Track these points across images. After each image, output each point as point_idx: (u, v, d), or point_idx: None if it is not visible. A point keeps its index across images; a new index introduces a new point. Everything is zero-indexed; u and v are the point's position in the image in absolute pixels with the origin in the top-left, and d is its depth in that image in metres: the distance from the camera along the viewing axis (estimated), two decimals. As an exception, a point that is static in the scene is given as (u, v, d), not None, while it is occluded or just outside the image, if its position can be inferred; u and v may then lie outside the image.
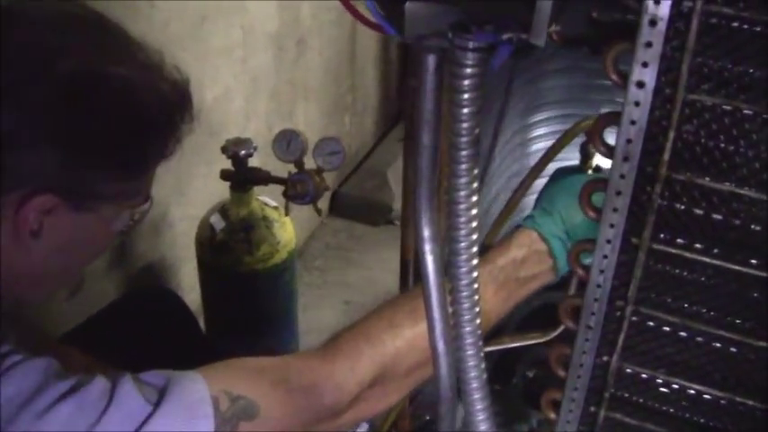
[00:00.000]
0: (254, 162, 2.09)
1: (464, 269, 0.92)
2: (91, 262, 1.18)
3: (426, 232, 0.94)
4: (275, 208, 2.15)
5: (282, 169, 2.05)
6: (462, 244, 0.90)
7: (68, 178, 1.02)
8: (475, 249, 0.92)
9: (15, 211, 1.00)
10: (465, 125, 0.85)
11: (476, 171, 0.88)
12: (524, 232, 1.27)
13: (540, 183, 1.46)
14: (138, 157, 1.09)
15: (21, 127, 0.96)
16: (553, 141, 1.85)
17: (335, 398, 1.15)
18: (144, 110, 1.06)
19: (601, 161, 1.43)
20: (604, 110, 1.76)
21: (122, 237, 1.18)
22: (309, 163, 2.02)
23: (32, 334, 1.40)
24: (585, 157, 1.41)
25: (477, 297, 0.95)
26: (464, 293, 0.94)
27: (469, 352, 0.97)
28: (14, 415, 0.93)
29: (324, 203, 3.25)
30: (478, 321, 0.97)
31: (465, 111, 0.84)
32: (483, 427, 1.03)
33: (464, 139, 0.85)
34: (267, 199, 2.18)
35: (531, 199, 1.43)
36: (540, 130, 1.89)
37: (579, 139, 1.46)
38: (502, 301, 1.25)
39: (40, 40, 1.00)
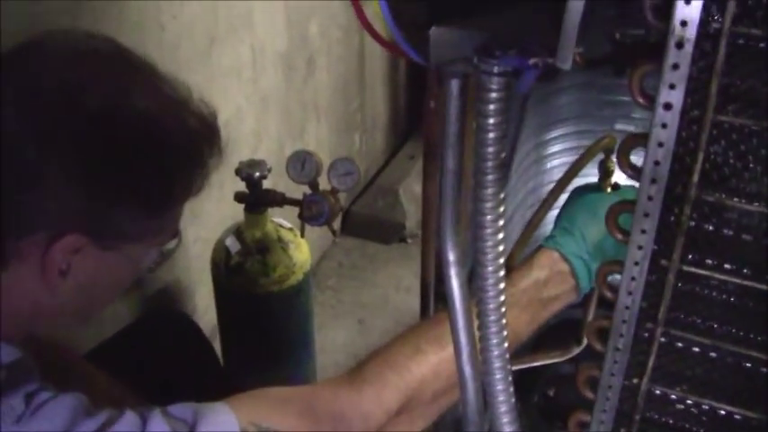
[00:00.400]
0: (266, 182, 2.09)
1: (491, 293, 0.92)
2: (114, 299, 1.17)
3: (452, 256, 0.94)
4: (290, 229, 2.15)
5: (295, 189, 2.04)
6: (489, 268, 0.90)
7: (95, 218, 1.00)
8: (502, 273, 0.91)
9: (43, 252, 0.99)
10: (491, 149, 0.85)
11: (502, 195, 0.88)
12: (545, 253, 1.26)
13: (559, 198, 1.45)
14: (165, 196, 1.07)
15: (47, 167, 0.95)
16: (568, 158, 1.86)
17: (363, 427, 1.14)
18: (170, 147, 1.04)
19: (619, 179, 1.43)
20: (619, 126, 1.76)
21: (149, 272, 1.17)
22: (323, 183, 2.02)
23: (58, 352, 1.40)
24: (604, 174, 1.41)
25: (504, 321, 0.95)
26: (492, 317, 0.93)
27: (498, 376, 0.97)
28: None
29: (336, 222, 3.25)
30: (506, 345, 0.96)
31: (491, 135, 0.84)
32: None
33: (490, 164, 0.85)
34: (282, 220, 2.18)
35: (551, 214, 1.42)
36: (555, 147, 1.88)
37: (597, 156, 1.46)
38: (525, 324, 1.24)
39: (64, 78, 0.98)
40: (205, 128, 1.09)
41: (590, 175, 1.48)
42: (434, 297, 1.61)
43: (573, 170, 1.47)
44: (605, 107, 1.82)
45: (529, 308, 1.24)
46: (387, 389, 1.15)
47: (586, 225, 1.26)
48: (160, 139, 1.03)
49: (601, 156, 1.45)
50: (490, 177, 0.85)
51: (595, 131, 1.75)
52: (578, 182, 1.46)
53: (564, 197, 1.42)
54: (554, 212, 1.43)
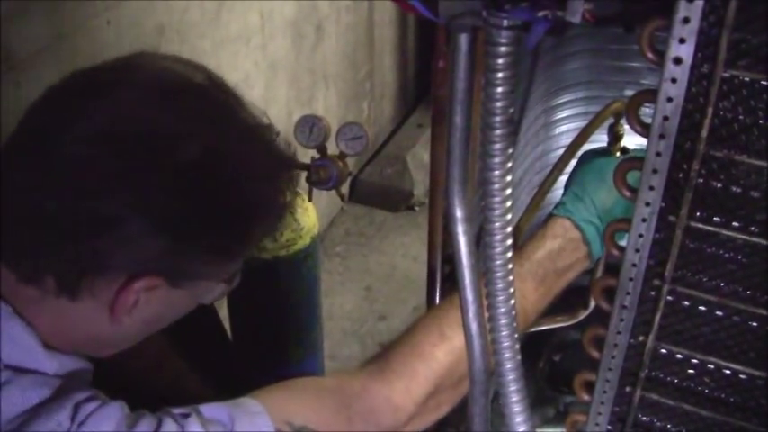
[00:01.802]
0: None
1: (498, 249, 0.92)
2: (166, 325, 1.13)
3: (459, 213, 0.93)
4: (298, 194, 2.15)
5: (303, 155, 2.04)
6: (496, 224, 0.90)
7: (174, 262, 0.98)
8: (509, 230, 0.92)
9: (117, 291, 0.97)
10: (499, 104, 0.84)
11: (510, 150, 0.88)
12: (557, 222, 1.27)
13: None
14: (244, 243, 1.05)
15: (131, 214, 0.93)
16: (577, 123, 1.85)
17: (394, 420, 1.15)
18: (255, 198, 1.02)
19: (629, 143, 1.43)
20: (628, 92, 1.76)
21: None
22: (331, 148, 2.02)
23: None
24: (614, 139, 1.41)
25: (511, 278, 0.95)
26: (498, 274, 0.94)
27: (504, 333, 0.97)
28: None
29: (344, 191, 3.26)
30: (512, 302, 0.96)
31: (499, 90, 0.84)
32: (517, 408, 1.02)
33: (498, 119, 0.85)
34: (289, 185, 2.18)
35: (560, 179, 1.42)
36: (565, 113, 1.88)
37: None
38: (542, 297, 1.25)
39: (157, 120, 0.95)
40: (287, 171, 1.08)
41: (599, 141, 1.48)
42: (441, 261, 1.62)
43: (582, 136, 1.47)
44: (616, 73, 1.81)
45: (545, 279, 1.25)
46: (416, 380, 1.16)
47: (596, 191, 1.26)
48: (247, 191, 1.00)
49: (610, 120, 1.45)
50: (498, 132, 0.85)
51: (605, 98, 1.74)
52: (588, 147, 1.46)
53: (574, 162, 1.42)
54: (564, 177, 1.43)
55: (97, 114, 0.94)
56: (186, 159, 0.94)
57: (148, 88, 0.98)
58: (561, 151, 1.51)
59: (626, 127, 1.25)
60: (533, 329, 1.46)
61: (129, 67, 1.01)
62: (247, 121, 1.04)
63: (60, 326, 1.00)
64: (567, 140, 1.66)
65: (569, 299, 1.49)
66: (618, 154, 1.41)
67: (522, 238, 1.44)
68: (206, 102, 1.01)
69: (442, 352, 1.18)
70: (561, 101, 1.86)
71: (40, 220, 0.93)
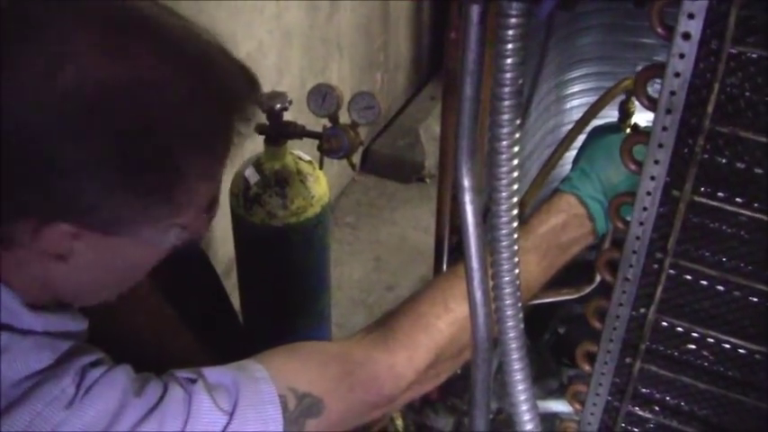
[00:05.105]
0: (286, 117, 2.09)
1: (504, 219, 0.93)
2: (140, 276, 1.08)
3: (467, 182, 0.94)
4: (309, 162, 2.16)
5: (315, 124, 2.05)
6: (503, 193, 0.91)
7: (85, 206, 0.90)
8: (515, 199, 0.93)
9: (31, 237, 0.90)
10: (508, 75, 0.85)
11: (518, 121, 0.89)
12: (563, 197, 1.27)
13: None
14: (172, 180, 0.93)
15: (35, 158, 0.86)
16: (588, 98, 1.85)
17: (394, 387, 1.17)
18: (179, 130, 0.91)
19: (639, 120, 1.43)
20: (640, 68, 1.76)
21: (191, 244, 1.03)
22: (343, 118, 2.02)
23: None
24: (624, 116, 1.41)
25: (516, 247, 0.96)
26: (504, 243, 0.95)
27: (508, 301, 0.98)
28: None
29: (356, 161, 3.28)
30: (517, 271, 0.97)
31: (509, 61, 0.85)
32: (518, 376, 1.04)
33: (507, 89, 0.86)
34: (301, 153, 2.19)
35: (569, 154, 1.43)
36: (576, 87, 1.88)
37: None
38: (545, 270, 1.26)
39: (64, 55, 0.85)
40: (234, 95, 0.97)
41: (610, 117, 1.48)
42: (449, 232, 1.63)
43: (592, 111, 1.48)
44: (628, 49, 1.81)
45: (548, 254, 1.26)
46: (418, 351, 1.17)
47: (604, 168, 1.26)
48: (165, 119, 0.90)
49: (621, 97, 1.45)
50: (507, 103, 0.86)
51: (617, 73, 1.75)
52: (597, 123, 1.47)
53: (582, 138, 1.42)
54: (572, 153, 1.43)
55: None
56: (76, 94, 0.84)
57: (55, 24, 0.87)
58: (572, 125, 1.52)
59: (637, 104, 1.26)
60: (539, 301, 1.47)
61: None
62: (177, 50, 0.93)
63: (20, 278, 0.96)
64: (578, 115, 1.67)
65: (575, 273, 1.51)
66: (628, 131, 1.42)
67: (528, 212, 1.45)
68: (114, 33, 0.89)
69: (445, 324, 1.20)
70: (573, 75, 1.86)
71: None
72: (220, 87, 0.95)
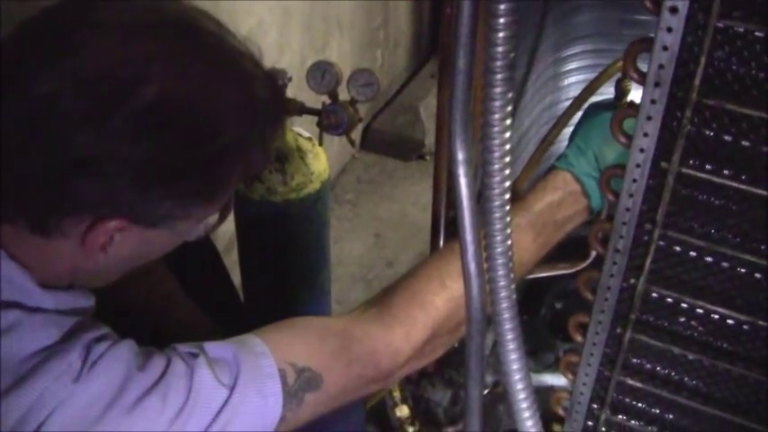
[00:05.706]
0: (286, 94, 2.10)
1: (497, 191, 0.94)
2: (157, 257, 1.14)
3: (461, 155, 0.96)
4: (309, 139, 2.17)
5: (315, 101, 2.06)
6: (496, 166, 0.92)
7: (141, 205, 0.98)
8: (508, 172, 0.94)
9: (85, 232, 0.98)
10: (500, 49, 0.86)
11: (510, 95, 0.90)
12: (558, 174, 1.29)
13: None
14: (216, 184, 1.04)
15: (96, 158, 0.92)
16: (585, 76, 1.86)
17: (391, 363, 1.19)
18: (223, 140, 0.99)
19: (636, 99, 1.44)
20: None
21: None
22: (343, 95, 2.03)
23: None
24: (621, 93, 1.42)
25: (508, 219, 0.98)
26: (497, 215, 0.96)
27: (500, 272, 1.00)
28: (103, 411, 0.95)
29: (355, 138, 3.28)
30: (509, 243, 0.99)
31: (500, 35, 0.86)
32: (512, 345, 1.05)
33: (499, 63, 0.87)
34: (300, 130, 2.20)
35: (566, 131, 1.44)
36: (573, 64, 1.89)
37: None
38: (540, 247, 1.28)
39: (123, 62, 0.93)
40: (269, 106, 1.05)
41: (607, 94, 1.49)
42: (446, 205, 1.65)
43: (589, 88, 1.48)
44: (625, 26, 1.82)
45: (544, 230, 1.28)
46: (415, 327, 1.20)
47: (600, 145, 1.27)
48: (212, 134, 0.98)
49: (618, 75, 1.46)
50: (499, 77, 0.87)
51: (614, 51, 1.76)
52: (594, 100, 1.48)
53: (579, 115, 1.43)
54: (569, 129, 1.44)
55: (64, 58, 0.92)
56: (141, 103, 0.92)
57: (114, 22, 0.96)
58: (569, 103, 1.53)
59: (633, 83, 1.27)
60: (535, 276, 1.48)
61: (93, 12, 0.97)
62: (222, 61, 1.01)
63: (45, 262, 1.00)
64: (575, 92, 1.68)
65: (571, 249, 1.52)
66: (624, 108, 1.43)
67: (524, 189, 1.46)
68: (170, 41, 0.98)
69: (442, 300, 1.22)
70: (570, 52, 1.87)
71: (10, 162, 0.93)
72: (259, 99, 1.03)
